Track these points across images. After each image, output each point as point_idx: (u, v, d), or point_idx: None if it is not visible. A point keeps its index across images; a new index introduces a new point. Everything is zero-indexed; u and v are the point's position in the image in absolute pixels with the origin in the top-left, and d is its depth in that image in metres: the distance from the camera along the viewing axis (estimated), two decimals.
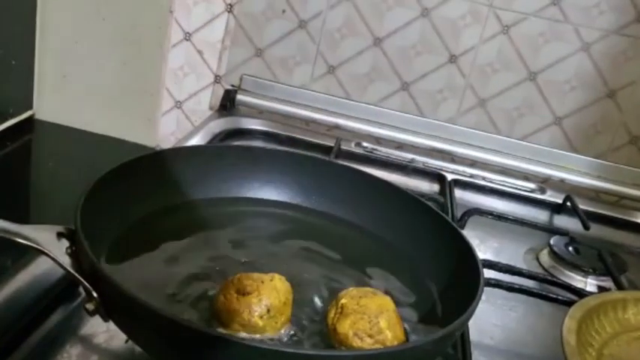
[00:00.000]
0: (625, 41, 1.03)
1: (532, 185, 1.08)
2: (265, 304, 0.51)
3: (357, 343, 0.51)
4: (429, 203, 0.70)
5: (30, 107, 1.08)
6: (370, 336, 0.51)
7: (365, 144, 1.09)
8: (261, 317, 0.50)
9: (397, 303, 0.55)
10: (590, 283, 0.81)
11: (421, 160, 1.08)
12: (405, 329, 0.54)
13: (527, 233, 0.91)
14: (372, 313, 0.52)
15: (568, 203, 1.00)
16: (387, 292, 0.56)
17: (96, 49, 1.07)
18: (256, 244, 0.66)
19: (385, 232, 0.70)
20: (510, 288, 0.71)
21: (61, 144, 1.09)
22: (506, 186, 1.06)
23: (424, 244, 0.66)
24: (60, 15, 1.04)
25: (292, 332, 0.53)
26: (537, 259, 0.86)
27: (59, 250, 0.50)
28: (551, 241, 0.86)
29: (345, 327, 0.51)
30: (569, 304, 0.66)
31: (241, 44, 1.11)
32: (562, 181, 1.09)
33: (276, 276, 0.54)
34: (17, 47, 1.01)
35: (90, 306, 0.48)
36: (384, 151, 1.09)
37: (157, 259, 0.60)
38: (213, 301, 0.52)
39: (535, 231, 0.91)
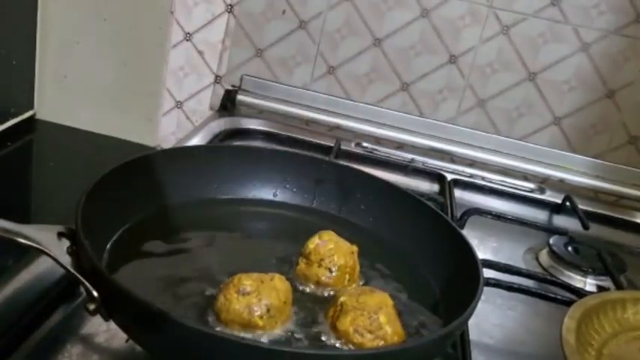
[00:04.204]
0: (624, 42, 1.04)
1: (531, 185, 1.09)
2: (265, 303, 0.51)
3: (357, 339, 0.51)
4: (429, 203, 0.70)
5: (31, 107, 1.08)
6: (370, 332, 0.51)
7: (365, 144, 1.09)
8: (261, 317, 0.51)
9: (397, 302, 0.55)
10: (589, 283, 0.81)
11: (421, 160, 1.08)
12: (404, 328, 0.55)
13: (526, 233, 0.91)
14: (372, 310, 0.52)
15: (567, 203, 1.00)
16: (386, 291, 0.56)
17: (97, 50, 1.07)
18: (256, 244, 0.67)
19: (385, 232, 0.70)
20: (510, 287, 0.71)
21: (62, 144, 1.09)
22: (505, 186, 1.06)
23: (424, 244, 0.66)
24: (61, 15, 1.04)
25: (292, 331, 0.53)
26: (537, 258, 0.86)
27: (60, 249, 0.50)
28: (551, 241, 0.87)
29: (345, 324, 0.52)
30: (568, 303, 0.66)
31: (241, 44, 1.11)
32: (561, 181, 1.10)
33: (276, 276, 0.54)
34: (18, 47, 1.01)
35: (90, 305, 0.48)
36: (384, 151, 1.09)
37: (157, 259, 0.60)
38: (213, 300, 0.53)
39: (534, 231, 0.91)
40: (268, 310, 0.51)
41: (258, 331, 0.51)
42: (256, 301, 0.51)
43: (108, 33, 1.05)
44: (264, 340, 0.51)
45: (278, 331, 0.52)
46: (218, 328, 0.51)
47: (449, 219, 0.69)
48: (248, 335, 0.50)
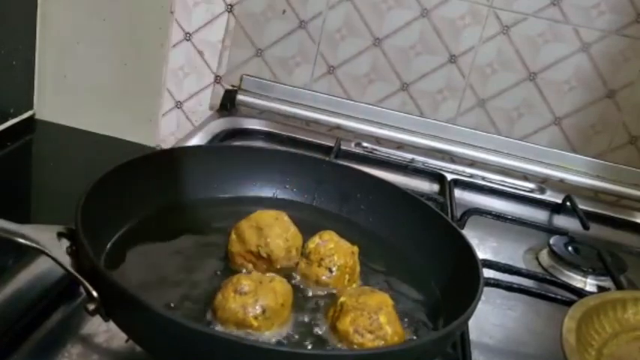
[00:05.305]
0: (624, 42, 1.04)
1: (531, 185, 1.09)
2: (261, 304, 0.51)
3: (357, 339, 0.51)
4: (429, 203, 0.70)
5: (30, 107, 1.08)
6: (371, 332, 0.51)
7: (365, 144, 1.09)
8: (255, 318, 0.50)
9: (397, 302, 0.55)
10: (589, 283, 0.81)
11: (421, 160, 1.08)
12: (404, 328, 0.55)
13: (526, 233, 0.91)
14: (372, 310, 0.52)
15: (567, 203, 1.00)
16: (386, 291, 0.56)
17: (96, 50, 1.07)
18: None
19: (385, 232, 0.70)
20: (510, 288, 0.71)
21: (62, 144, 1.09)
22: (505, 186, 1.06)
23: (424, 244, 0.66)
24: (60, 15, 1.04)
25: (292, 331, 0.53)
26: (537, 258, 0.86)
27: (59, 249, 0.50)
28: (551, 241, 0.87)
29: (345, 324, 0.52)
30: (568, 303, 0.66)
31: (241, 44, 1.11)
32: (561, 181, 1.10)
33: (277, 277, 0.54)
34: (18, 48, 1.01)
35: (90, 305, 0.48)
36: (384, 151, 1.09)
37: (157, 259, 0.60)
38: (212, 299, 0.53)
39: (534, 231, 0.91)
40: (264, 312, 0.51)
41: (253, 331, 0.51)
42: (252, 302, 0.51)
43: (108, 33, 1.05)
44: (264, 340, 0.51)
45: (276, 332, 0.52)
46: (214, 327, 0.51)
47: (449, 219, 0.69)
48: (242, 334, 0.50)
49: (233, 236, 0.60)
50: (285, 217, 0.62)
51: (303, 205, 0.73)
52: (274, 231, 0.59)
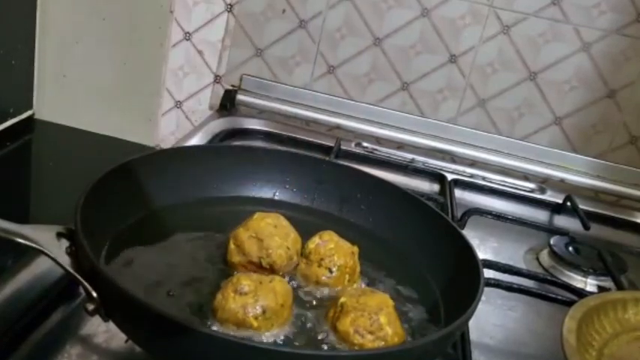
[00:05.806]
0: (625, 41, 1.03)
1: (532, 185, 1.08)
2: (261, 305, 0.51)
3: (358, 340, 0.51)
4: (429, 203, 0.70)
5: (30, 107, 1.08)
6: (371, 332, 0.51)
7: (365, 144, 1.09)
8: (255, 318, 0.50)
9: (397, 303, 0.55)
10: (590, 283, 0.81)
11: (421, 160, 1.08)
12: (405, 329, 0.54)
13: (527, 233, 0.91)
14: (372, 310, 0.52)
15: (568, 203, 1.00)
16: (386, 292, 0.56)
17: (96, 49, 1.07)
18: None
19: (385, 232, 0.70)
20: (510, 288, 0.71)
21: (61, 144, 1.09)
22: (506, 186, 1.06)
23: (424, 244, 0.66)
24: (60, 15, 1.04)
25: (292, 332, 0.53)
26: (537, 259, 0.86)
27: (59, 249, 0.50)
28: (551, 241, 0.86)
29: (345, 324, 0.51)
30: (569, 304, 0.66)
31: (241, 44, 1.11)
32: (562, 181, 1.10)
33: (277, 278, 0.54)
34: (17, 47, 1.01)
35: (90, 306, 0.48)
36: (384, 151, 1.09)
37: (156, 259, 0.60)
38: (212, 299, 0.52)
39: (535, 231, 0.91)
40: (264, 312, 0.51)
41: (253, 331, 0.50)
42: (252, 302, 0.51)
43: (107, 33, 1.05)
44: (264, 340, 0.51)
45: (275, 332, 0.52)
46: (214, 327, 0.51)
47: (449, 219, 0.69)
48: (242, 335, 0.50)
49: (232, 246, 0.59)
50: (283, 222, 0.61)
51: (302, 205, 0.73)
52: (275, 241, 0.59)
